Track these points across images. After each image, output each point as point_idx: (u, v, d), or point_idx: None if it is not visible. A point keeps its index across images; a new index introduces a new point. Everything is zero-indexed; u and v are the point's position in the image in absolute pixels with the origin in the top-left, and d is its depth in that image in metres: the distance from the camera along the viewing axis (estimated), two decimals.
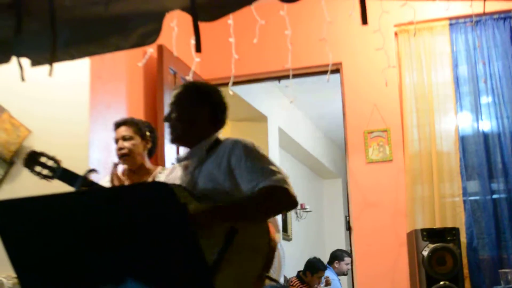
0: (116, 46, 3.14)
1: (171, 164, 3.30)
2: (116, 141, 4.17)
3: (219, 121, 3.23)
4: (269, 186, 2.83)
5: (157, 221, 0.99)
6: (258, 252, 2.72)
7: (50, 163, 3.59)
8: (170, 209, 0.99)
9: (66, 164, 4.65)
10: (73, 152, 4.70)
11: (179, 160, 3.23)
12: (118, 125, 4.22)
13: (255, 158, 2.95)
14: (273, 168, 2.92)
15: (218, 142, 3.13)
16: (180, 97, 3.18)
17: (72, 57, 3.13)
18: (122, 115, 5.35)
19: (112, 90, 5.33)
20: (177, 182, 3.11)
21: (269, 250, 2.72)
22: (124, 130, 4.15)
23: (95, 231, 1.05)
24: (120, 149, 4.12)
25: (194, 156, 3.13)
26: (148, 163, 4.19)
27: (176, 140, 3.20)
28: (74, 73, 4.78)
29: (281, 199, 2.88)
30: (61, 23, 2.78)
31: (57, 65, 2.80)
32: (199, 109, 3.15)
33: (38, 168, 3.59)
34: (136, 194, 1.03)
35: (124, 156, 4.10)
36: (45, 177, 3.58)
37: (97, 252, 1.05)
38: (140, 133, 4.17)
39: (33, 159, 3.64)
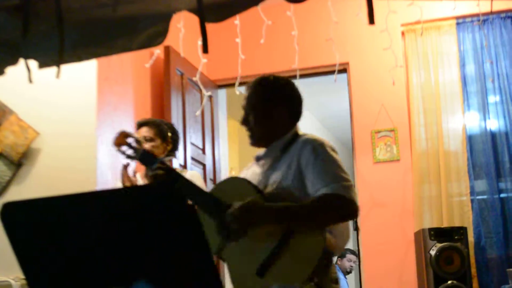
0: (123, 47, 3.14)
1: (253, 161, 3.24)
2: None
3: (297, 115, 3.16)
4: (329, 194, 2.74)
5: (165, 223, 1.00)
6: (307, 262, 2.66)
7: (134, 144, 3.61)
8: (178, 210, 0.99)
9: (74, 165, 4.68)
10: (80, 153, 4.72)
11: (258, 158, 3.15)
12: (140, 125, 4.19)
13: (321, 161, 2.85)
14: (338, 173, 2.82)
15: (295, 138, 3.04)
16: (252, 98, 3.10)
17: (79, 58, 3.13)
18: (129, 116, 5.36)
19: (119, 91, 5.34)
20: (255, 181, 3.02)
21: (317, 263, 2.65)
22: (145, 131, 4.13)
23: (105, 232, 1.05)
24: None
25: (269, 155, 3.06)
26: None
27: (256, 142, 3.13)
28: (81, 75, 4.79)
29: (340, 208, 2.79)
30: (68, 25, 2.79)
31: (64, 67, 2.81)
32: (275, 108, 3.08)
33: (124, 148, 3.58)
34: (145, 195, 1.03)
35: None
36: (128, 156, 3.59)
37: (107, 254, 1.06)
38: (161, 135, 4.15)
39: (121, 139, 3.63)
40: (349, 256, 9.08)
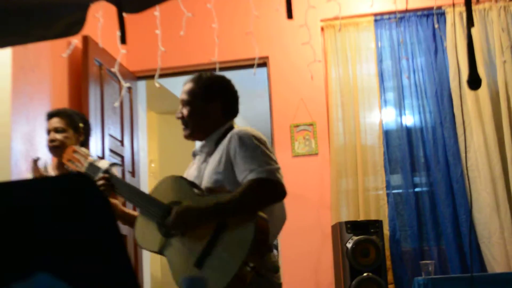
0: (39, 36, 3.07)
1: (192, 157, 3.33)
2: (48, 132, 4.07)
3: (232, 111, 3.27)
4: (256, 179, 2.85)
5: (76, 214, 0.98)
6: (240, 247, 2.74)
7: (82, 159, 3.56)
8: (90, 200, 0.97)
9: None
10: None
11: (194, 154, 3.30)
12: (50, 116, 4.12)
13: (247, 149, 2.95)
14: (262, 159, 2.92)
15: (228, 132, 3.13)
16: (191, 93, 3.21)
17: None
18: (45, 106, 5.25)
19: (36, 81, 5.22)
20: (192, 176, 3.16)
21: (251, 248, 2.73)
22: (56, 122, 4.05)
23: (7, 223, 1.03)
24: (51, 141, 4.02)
25: (204, 150, 3.19)
26: None
27: (189, 136, 3.26)
28: None
29: (266, 191, 2.90)
30: None
31: None
32: (211, 104, 3.18)
33: (72, 163, 3.56)
34: (55, 185, 1.01)
35: (55, 148, 4.01)
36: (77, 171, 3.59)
37: (8, 246, 1.03)
38: (73, 125, 4.08)
39: (70, 154, 3.59)
40: (275, 251, 9.13)
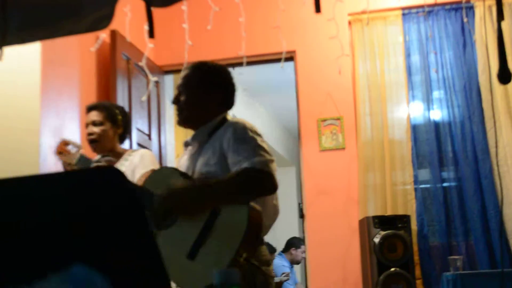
0: (68, 30, 3.10)
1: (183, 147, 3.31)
2: (86, 125, 4.08)
3: (229, 103, 3.22)
4: (247, 167, 2.80)
5: (106, 206, 0.98)
6: (233, 238, 2.71)
7: (74, 150, 3.60)
8: (119, 193, 0.98)
9: (16, 149, 4.60)
10: (24, 138, 4.64)
11: (186, 144, 3.24)
12: (89, 109, 4.10)
13: (242, 140, 2.92)
14: (256, 150, 2.88)
15: (222, 123, 3.09)
16: (189, 79, 3.16)
17: (22, 41, 3.08)
18: (74, 101, 5.29)
19: (64, 75, 5.26)
20: (183, 167, 3.13)
21: (244, 238, 2.70)
22: (94, 115, 4.05)
23: (43, 215, 1.04)
24: (89, 134, 4.03)
25: (197, 140, 3.14)
26: (119, 148, 4.10)
27: (183, 123, 3.20)
28: (25, 58, 4.70)
29: (258, 181, 2.85)
30: (12, 7, 2.73)
31: (7, 50, 2.76)
32: (209, 93, 3.14)
33: (64, 155, 3.59)
34: (86, 178, 1.02)
35: (93, 141, 4.02)
36: (69, 163, 3.60)
37: (44, 237, 1.04)
38: (111, 118, 4.08)
39: (61, 147, 3.63)
40: (304, 247, 9.15)
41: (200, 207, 2.80)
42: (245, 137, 2.93)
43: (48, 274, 1.00)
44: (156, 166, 3.87)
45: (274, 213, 3.09)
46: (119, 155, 4.04)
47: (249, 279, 2.83)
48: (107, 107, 4.12)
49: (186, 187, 2.85)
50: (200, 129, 3.13)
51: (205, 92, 3.14)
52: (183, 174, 3.01)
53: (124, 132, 4.19)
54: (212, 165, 2.96)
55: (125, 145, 5.60)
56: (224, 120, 3.12)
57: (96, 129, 4.00)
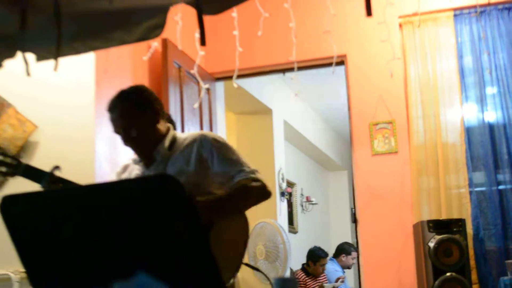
0: (120, 40, 3.14)
1: (122, 164, 3.35)
2: None
3: (162, 116, 3.24)
4: (245, 180, 2.97)
5: (165, 214, 1.00)
6: (237, 242, 2.90)
7: (8, 160, 3.36)
8: (177, 201, 0.99)
9: (73, 159, 4.67)
10: (79, 146, 4.71)
11: (135, 161, 3.26)
12: None
13: (226, 150, 3.08)
14: (243, 160, 3.07)
15: (175, 136, 3.22)
16: (123, 114, 3.18)
17: (77, 51, 3.13)
18: None
19: (118, 84, 5.32)
20: None
21: (246, 239, 2.93)
22: None
23: (105, 224, 1.05)
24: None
25: (156, 156, 3.16)
26: None
27: (141, 154, 3.21)
28: (80, 67, 4.78)
29: (258, 192, 3.03)
30: (66, 18, 2.78)
31: (62, 60, 2.81)
32: (144, 119, 3.16)
33: None
34: (145, 186, 1.04)
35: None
36: (5, 174, 3.37)
37: (108, 246, 1.06)
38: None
39: None
40: (354, 253, 9.10)
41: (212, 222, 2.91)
42: (228, 148, 3.10)
43: (111, 282, 1.01)
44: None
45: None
46: None
47: None
48: None
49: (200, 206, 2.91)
50: (157, 148, 3.15)
51: (141, 120, 3.15)
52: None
53: None
54: (187, 174, 3.02)
55: None
56: (174, 131, 3.25)
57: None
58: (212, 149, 3.05)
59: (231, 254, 2.86)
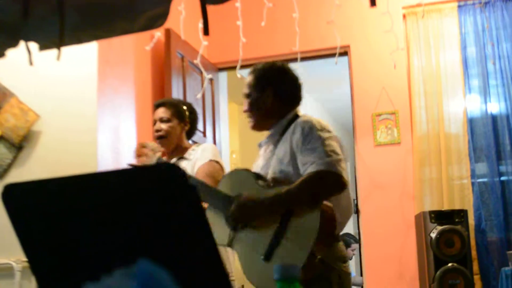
0: (123, 29, 3.13)
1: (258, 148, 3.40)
2: (154, 122, 4.11)
3: (292, 99, 3.26)
4: (315, 171, 2.85)
5: (167, 203, 1.00)
6: (306, 239, 2.76)
7: (151, 153, 3.68)
8: (179, 190, 1.00)
9: (74, 148, 4.68)
10: (81, 136, 4.72)
11: (260, 145, 3.33)
12: (157, 106, 4.16)
13: (310, 140, 2.96)
14: (322, 150, 2.91)
15: (293, 121, 3.14)
16: (248, 85, 3.25)
17: (79, 41, 3.13)
18: (130, 99, 5.36)
19: (120, 74, 5.33)
20: (259, 167, 3.20)
21: (318, 231, 2.74)
22: (162, 112, 4.08)
23: (107, 212, 1.06)
24: (157, 131, 4.07)
25: (270, 140, 3.22)
26: (185, 143, 4.14)
27: (254, 128, 3.29)
28: (82, 57, 4.78)
29: (326, 184, 2.90)
30: (68, 8, 2.78)
31: (65, 49, 2.81)
32: (265, 93, 3.19)
33: (142, 158, 3.68)
34: (148, 174, 1.04)
35: (160, 138, 4.06)
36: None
37: (110, 233, 1.06)
38: (179, 115, 4.10)
39: (139, 149, 3.72)
40: (354, 245, 9.13)
41: (272, 216, 2.89)
42: (313, 137, 2.96)
43: (113, 269, 1.02)
44: (218, 158, 3.95)
45: (348, 210, 3.11)
46: (185, 150, 4.08)
47: (324, 279, 2.88)
48: (175, 104, 4.16)
49: (259, 198, 2.93)
50: (272, 129, 3.20)
51: (260, 92, 3.20)
52: (258, 176, 3.07)
53: (192, 128, 4.23)
54: (285, 164, 3.01)
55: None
56: (295, 117, 3.16)
57: (163, 126, 4.04)
58: (298, 139, 3.00)
59: (299, 248, 2.79)
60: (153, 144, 3.76)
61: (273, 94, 3.18)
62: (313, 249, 2.73)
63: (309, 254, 2.71)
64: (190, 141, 4.23)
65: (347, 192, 3.03)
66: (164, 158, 3.76)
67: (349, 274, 3.06)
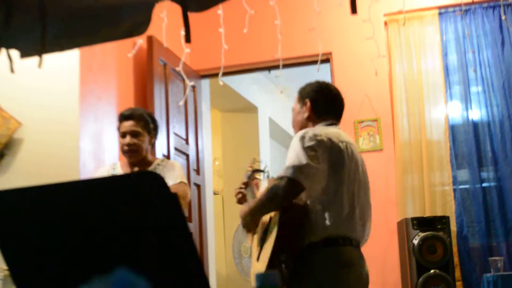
0: (105, 37, 3.13)
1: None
2: (123, 134, 4.04)
3: (320, 113, 3.50)
4: (276, 177, 3.09)
5: (147, 211, 1.00)
6: (272, 236, 3.06)
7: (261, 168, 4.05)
8: (160, 198, 0.99)
9: (56, 155, 4.66)
10: (63, 143, 4.71)
11: None
12: (125, 117, 4.08)
13: (290, 150, 3.16)
14: (297, 156, 3.08)
15: None
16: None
17: (61, 48, 3.11)
18: (112, 106, 5.34)
19: (102, 81, 5.32)
20: None
21: (277, 234, 3.05)
22: (132, 125, 4.01)
23: (86, 221, 1.06)
24: (129, 145, 4.03)
25: None
26: (149, 156, 4.13)
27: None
28: (64, 64, 4.76)
29: (279, 189, 3.06)
30: (50, 15, 2.77)
31: (46, 57, 2.80)
32: (300, 109, 3.55)
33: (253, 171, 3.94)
34: (127, 183, 1.04)
35: (132, 152, 4.03)
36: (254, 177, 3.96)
37: (88, 242, 1.06)
38: (147, 128, 4.08)
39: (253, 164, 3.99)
40: None
41: (249, 223, 3.26)
42: (293, 145, 3.16)
43: (92, 278, 1.02)
44: (185, 179, 4.03)
45: (304, 213, 3.19)
46: (149, 163, 4.06)
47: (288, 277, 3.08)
48: (144, 118, 4.10)
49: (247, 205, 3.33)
50: None
51: (299, 109, 3.56)
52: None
53: (155, 140, 4.22)
54: None
55: (163, 149, 5.64)
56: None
57: (136, 140, 4.00)
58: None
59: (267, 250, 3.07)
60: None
61: (309, 108, 3.53)
62: (273, 251, 2.98)
63: (270, 256, 2.97)
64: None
65: (304, 195, 3.18)
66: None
67: (349, 279, 3.47)
